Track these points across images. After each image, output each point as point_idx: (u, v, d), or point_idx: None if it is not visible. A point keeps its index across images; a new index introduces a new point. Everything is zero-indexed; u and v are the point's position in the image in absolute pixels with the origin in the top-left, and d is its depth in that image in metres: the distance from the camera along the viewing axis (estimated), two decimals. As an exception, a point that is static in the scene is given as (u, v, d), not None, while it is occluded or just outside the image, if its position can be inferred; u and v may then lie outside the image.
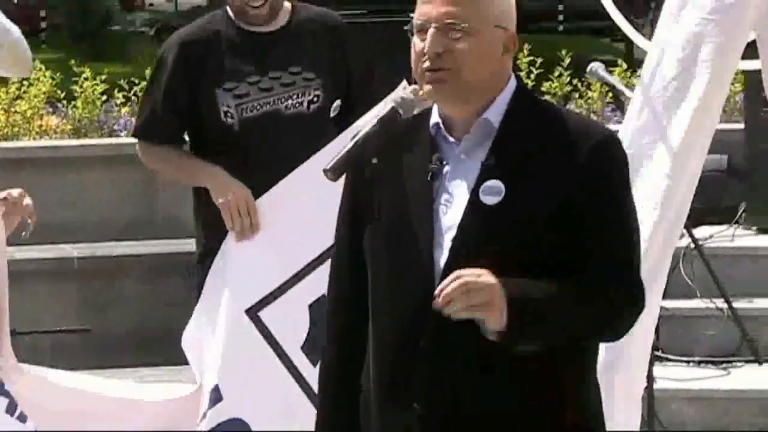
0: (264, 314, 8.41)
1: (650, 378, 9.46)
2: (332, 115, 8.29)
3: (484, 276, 4.75)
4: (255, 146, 8.16)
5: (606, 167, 5.16)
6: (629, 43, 33.04)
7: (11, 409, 8.54)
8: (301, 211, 8.44)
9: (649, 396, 9.55)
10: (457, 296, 4.66)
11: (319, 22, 8.76)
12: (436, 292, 4.75)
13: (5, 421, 8.50)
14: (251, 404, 8.48)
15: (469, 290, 4.68)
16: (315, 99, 8.24)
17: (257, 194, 8.07)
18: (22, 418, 8.59)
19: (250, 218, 8.02)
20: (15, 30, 7.66)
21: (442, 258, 5.02)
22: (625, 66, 16.39)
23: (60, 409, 8.56)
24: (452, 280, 4.72)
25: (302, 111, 8.24)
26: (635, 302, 5.20)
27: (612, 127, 8.40)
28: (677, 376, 11.12)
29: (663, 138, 8.14)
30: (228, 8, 8.38)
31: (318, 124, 8.20)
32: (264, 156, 7.68)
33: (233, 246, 8.17)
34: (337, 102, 8.28)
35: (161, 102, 8.39)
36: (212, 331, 8.33)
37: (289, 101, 8.32)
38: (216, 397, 8.09)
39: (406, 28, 5.07)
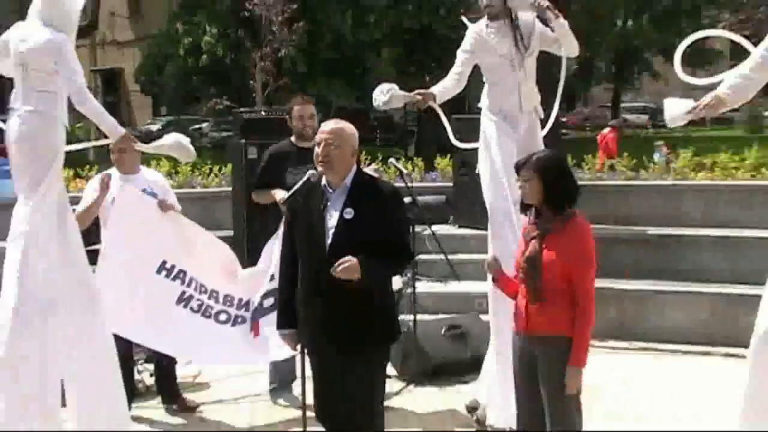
0: None
1: (414, 287, 10.33)
2: None
3: (352, 260, 6.25)
4: None
5: (395, 202, 6.84)
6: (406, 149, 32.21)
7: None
8: None
9: (414, 300, 10.32)
10: (340, 273, 6.23)
11: None
12: (333, 270, 6.27)
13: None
14: None
15: (346, 269, 6.23)
16: None
17: None
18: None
19: None
20: (180, 136, 8.10)
21: (328, 242, 6.56)
22: (404, 160, 17.37)
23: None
24: (339, 265, 6.24)
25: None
26: (409, 259, 7.08)
27: (397, 185, 9.52)
28: (427, 287, 12.10)
29: None
30: (292, 137, 9.09)
31: None
32: None
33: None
34: None
35: (260, 176, 9.20)
36: (273, 253, 8.51)
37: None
38: (272, 278, 8.50)
39: (313, 144, 6.80)
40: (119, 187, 8.81)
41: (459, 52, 8.42)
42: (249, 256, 10.11)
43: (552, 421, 6.12)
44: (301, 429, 6.96)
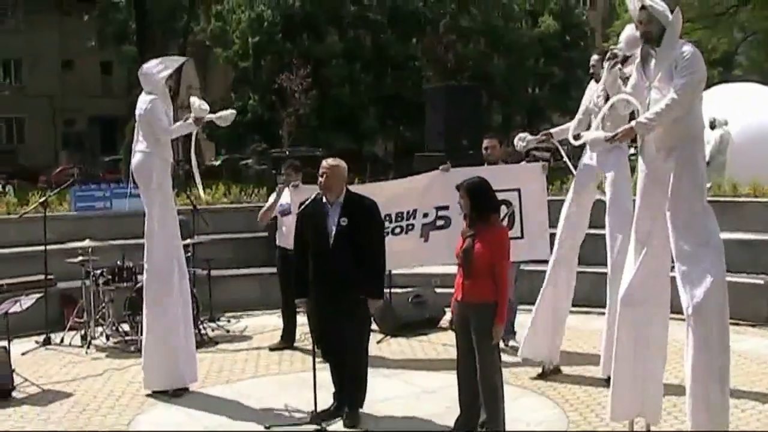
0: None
1: (391, 271, 8.79)
2: None
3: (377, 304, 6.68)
4: None
5: (375, 214, 6.82)
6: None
7: None
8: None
9: (390, 279, 10.04)
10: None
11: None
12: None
13: None
14: None
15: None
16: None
17: None
18: None
19: None
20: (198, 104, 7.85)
21: (331, 240, 6.58)
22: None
23: None
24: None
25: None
26: (383, 255, 6.77)
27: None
28: (400, 270, 10.51)
29: None
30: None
31: None
32: None
33: None
34: None
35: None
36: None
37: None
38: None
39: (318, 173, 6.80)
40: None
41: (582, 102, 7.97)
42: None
43: (481, 360, 6.02)
44: (312, 368, 6.73)
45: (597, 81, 7.73)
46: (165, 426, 6.91)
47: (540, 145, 8.55)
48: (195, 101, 7.83)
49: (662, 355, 5.96)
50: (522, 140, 8.19)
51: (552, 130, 8.20)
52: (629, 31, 5.83)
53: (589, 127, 7.42)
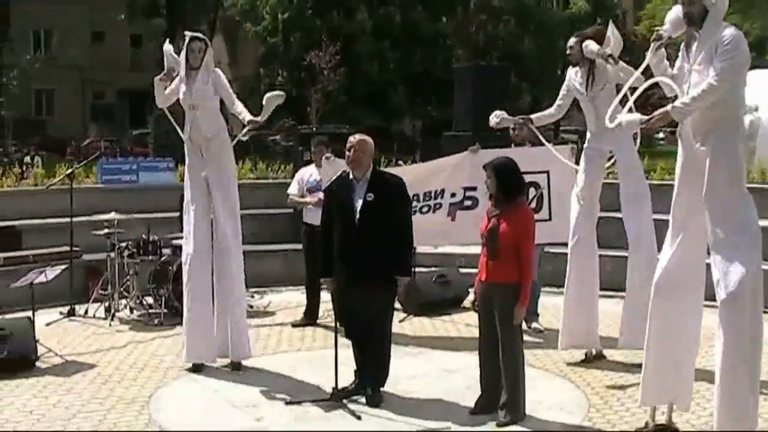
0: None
1: (415, 249, 8.00)
2: None
3: (402, 282, 6.59)
4: None
5: (402, 191, 6.76)
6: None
7: None
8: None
9: (414, 258, 9.64)
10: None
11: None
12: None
13: None
14: None
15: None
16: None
17: None
18: None
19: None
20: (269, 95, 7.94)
21: (357, 216, 6.50)
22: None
23: None
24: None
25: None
26: (411, 232, 6.70)
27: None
28: (424, 249, 10.54)
29: None
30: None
31: None
32: None
33: None
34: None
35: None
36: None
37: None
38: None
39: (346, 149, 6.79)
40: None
41: (562, 88, 7.87)
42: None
43: (503, 340, 6.03)
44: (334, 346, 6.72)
45: (573, 65, 7.64)
46: (185, 399, 6.93)
47: (569, 127, 8.51)
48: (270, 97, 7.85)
49: (695, 342, 5.86)
50: (497, 117, 8.03)
51: (533, 116, 8.08)
52: (675, 12, 5.62)
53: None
